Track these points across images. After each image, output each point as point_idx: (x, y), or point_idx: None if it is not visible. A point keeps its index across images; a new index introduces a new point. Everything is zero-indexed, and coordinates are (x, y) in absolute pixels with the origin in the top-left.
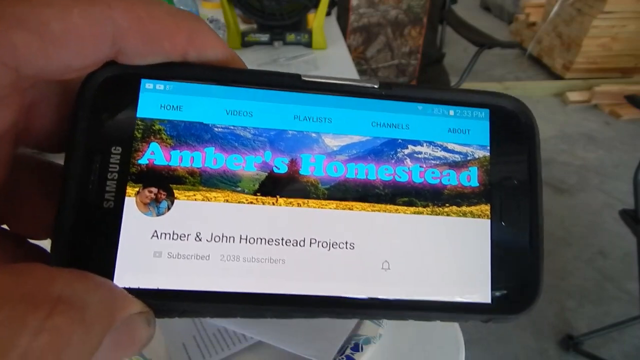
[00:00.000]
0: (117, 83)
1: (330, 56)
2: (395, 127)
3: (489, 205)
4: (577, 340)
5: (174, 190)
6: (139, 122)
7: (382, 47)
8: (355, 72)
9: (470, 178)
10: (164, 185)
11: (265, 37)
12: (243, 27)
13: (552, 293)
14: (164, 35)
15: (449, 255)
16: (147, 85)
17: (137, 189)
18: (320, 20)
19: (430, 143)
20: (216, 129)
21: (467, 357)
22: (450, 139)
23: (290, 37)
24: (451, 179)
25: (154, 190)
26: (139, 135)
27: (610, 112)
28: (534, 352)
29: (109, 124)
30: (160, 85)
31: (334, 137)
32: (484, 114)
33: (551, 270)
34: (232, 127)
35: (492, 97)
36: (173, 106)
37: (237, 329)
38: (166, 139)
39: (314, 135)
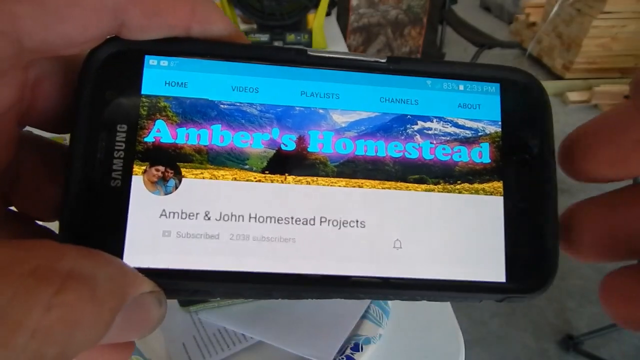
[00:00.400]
0: (120, 59)
1: None
2: (404, 103)
3: (501, 182)
4: (577, 340)
5: (182, 169)
6: (144, 100)
7: (382, 47)
8: None
9: (482, 154)
10: (171, 163)
11: (265, 37)
12: (243, 27)
13: (552, 293)
14: (166, 8)
15: (461, 234)
16: (151, 61)
17: (144, 168)
18: (320, 20)
19: (440, 119)
20: (222, 106)
21: (467, 357)
22: (460, 115)
23: (290, 37)
24: (462, 155)
25: (161, 168)
26: (144, 113)
27: None
28: (534, 352)
29: (113, 102)
30: (164, 61)
31: (342, 114)
32: (494, 88)
33: None
34: (238, 104)
35: (503, 71)
36: (178, 83)
37: (237, 329)
38: (172, 117)
39: (321, 111)
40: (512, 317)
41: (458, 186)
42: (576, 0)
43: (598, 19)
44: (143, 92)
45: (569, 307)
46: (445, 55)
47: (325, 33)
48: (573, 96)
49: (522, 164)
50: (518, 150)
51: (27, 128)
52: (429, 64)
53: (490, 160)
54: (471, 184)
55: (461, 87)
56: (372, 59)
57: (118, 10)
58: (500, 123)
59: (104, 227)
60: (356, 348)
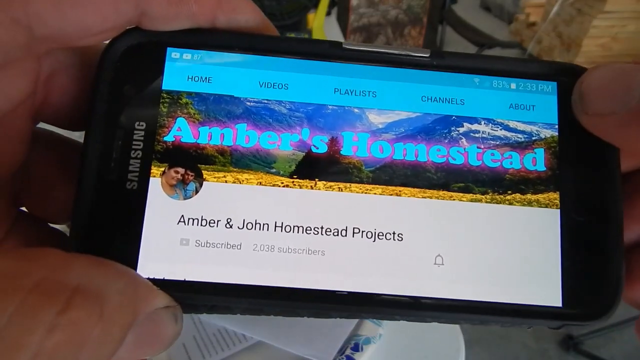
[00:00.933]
0: (140, 52)
1: None
2: (449, 102)
3: (558, 193)
4: (577, 340)
5: (203, 171)
6: (165, 95)
7: None
8: None
9: (536, 161)
10: (191, 165)
11: None
12: None
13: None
14: None
15: (512, 250)
16: (173, 54)
17: (162, 169)
18: (320, 20)
19: (489, 120)
20: (248, 103)
21: (467, 357)
22: (512, 116)
23: (291, 37)
24: (514, 162)
25: (181, 170)
26: (164, 110)
27: None
28: (534, 352)
29: (132, 97)
30: (187, 54)
31: (379, 113)
32: (550, 87)
33: None
34: (266, 101)
35: (560, 68)
36: (201, 77)
37: (237, 329)
38: (194, 114)
39: (356, 111)
40: None
41: (509, 197)
42: (576, 0)
43: (598, 18)
44: (164, 87)
45: None
46: None
47: (325, 33)
48: None
49: (582, 173)
50: (577, 158)
51: (41, 124)
52: (477, 59)
53: (545, 168)
54: (523, 194)
55: (513, 86)
56: (414, 54)
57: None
58: (557, 126)
59: (118, 233)
60: (356, 348)
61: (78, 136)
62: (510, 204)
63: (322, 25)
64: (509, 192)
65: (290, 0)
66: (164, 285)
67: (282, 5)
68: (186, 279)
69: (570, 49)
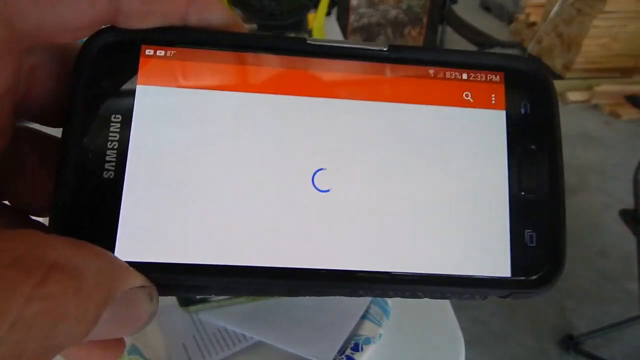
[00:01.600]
0: (116, 49)
1: None
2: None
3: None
4: (577, 340)
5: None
6: (140, 90)
7: None
8: None
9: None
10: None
11: None
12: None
13: (552, 293)
14: None
15: (463, 225)
16: (147, 51)
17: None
18: (320, 20)
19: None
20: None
21: (467, 357)
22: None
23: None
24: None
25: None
26: (139, 104)
27: (610, 112)
28: (534, 352)
29: (108, 92)
30: (161, 51)
31: None
32: (499, 77)
33: None
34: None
35: (507, 60)
36: (175, 73)
37: (237, 329)
38: (168, 107)
39: None
40: (512, 317)
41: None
42: (576, 0)
43: (598, 18)
44: (139, 82)
45: (569, 307)
46: None
47: (325, 33)
48: (573, 96)
49: (527, 153)
50: (523, 140)
51: (25, 122)
52: (430, 52)
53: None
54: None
55: (464, 76)
56: (373, 48)
57: None
58: (504, 113)
59: (95, 220)
60: (356, 348)
61: (59, 132)
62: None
63: (322, 25)
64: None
65: (290, 0)
66: (139, 267)
67: (282, 5)
68: (162, 261)
69: (570, 49)
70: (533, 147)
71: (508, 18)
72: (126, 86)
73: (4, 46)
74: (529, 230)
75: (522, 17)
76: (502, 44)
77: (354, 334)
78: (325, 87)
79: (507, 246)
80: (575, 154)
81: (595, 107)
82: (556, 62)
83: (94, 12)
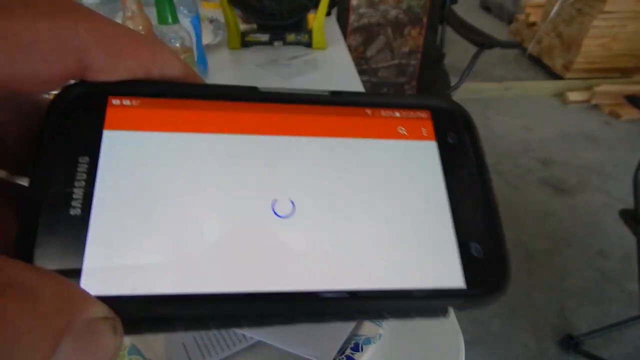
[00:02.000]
0: (85, 99)
1: (330, 56)
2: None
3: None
4: (577, 340)
5: None
6: (106, 134)
7: (382, 47)
8: (355, 72)
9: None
10: None
11: (265, 37)
12: (243, 27)
13: (552, 293)
14: (128, 51)
15: (414, 242)
16: (113, 100)
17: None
18: (320, 20)
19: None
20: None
21: (467, 357)
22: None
23: (290, 37)
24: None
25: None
26: (106, 146)
27: (610, 112)
28: (534, 352)
29: (77, 138)
30: (126, 100)
31: None
32: (425, 114)
33: (551, 271)
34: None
35: (430, 100)
36: (139, 119)
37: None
38: (132, 150)
39: None
40: (512, 317)
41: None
42: (576, 0)
43: (598, 18)
44: (106, 127)
45: (569, 307)
46: (445, 55)
47: (325, 33)
48: (573, 96)
49: (459, 174)
50: (454, 163)
51: None
52: (366, 96)
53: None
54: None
55: (397, 114)
56: (316, 93)
57: (82, 51)
58: (435, 142)
59: (61, 254)
60: (356, 348)
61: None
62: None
63: (322, 25)
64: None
65: (290, 0)
66: (104, 300)
67: (282, 5)
68: (125, 294)
69: (570, 49)
70: (464, 168)
71: (508, 18)
72: (93, 131)
73: None
74: (474, 243)
75: (522, 17)
76: (502, 44)
77: (354, 334)
78: (277, 126)
79: (457, 258)
80: (575, 154)
81: (595, 107)
82: (556, 62)
83: (63, 66)
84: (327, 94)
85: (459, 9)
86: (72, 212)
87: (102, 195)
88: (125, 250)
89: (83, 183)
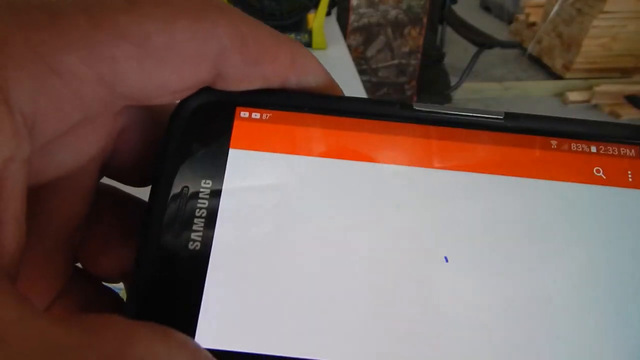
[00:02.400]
0: (211, 110)
1: (330, 56)
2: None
3: None
4: None
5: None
6: (233, 154)
7: (382, 47)
8: (355, 72)
9: None
10: None
11: None
12: None
13: None
14: (266, 57)
15: (615, 333)
16: (242, 113)
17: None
18: (320, 20)
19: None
20: None
21: None
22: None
23: (290, 37)
24: None
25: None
26: (231, 169)
27: (610, 112)
28: None
29: (199, 155)
30: (256, 114)
31: None
32: (634, 151)
33: None
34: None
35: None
36: (270, 137)
37: None
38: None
39: None
40: None
41: None
42: (576, 0)
43: (598, 18)
44: (232, 146)
45: None
46: (445, 55)
47: (325, 33)
48: (573, 96)
49: None
50: None
51: (104, 179)
52: (553, 121)
53: None
54: None
55: (594, 149)
56: (489, 116)
57: (219, 58)
58: None
59: (177, 296)
60: None
61: (136, 191)
62: None
63: (322, 25)
64: None
65: (290, 0)
66: (222, 356)
67: (282, 5)
68: (248, 351)
69: (570, 49)
70: None
71: (508, 18)
72: (218, 150)
73: (103, 109)
74: None
75: (522, 17)
76: (502, 44)
77: None
78: (432, 158)
79: None
80: None
81: (595, 107)
82: (556, 62)
83: (196, 75)
84: (501, 117)
85: (459, 9)
86: (191, 246)
87: (225, 228)
88: (247, 298)
89: (204, 212)
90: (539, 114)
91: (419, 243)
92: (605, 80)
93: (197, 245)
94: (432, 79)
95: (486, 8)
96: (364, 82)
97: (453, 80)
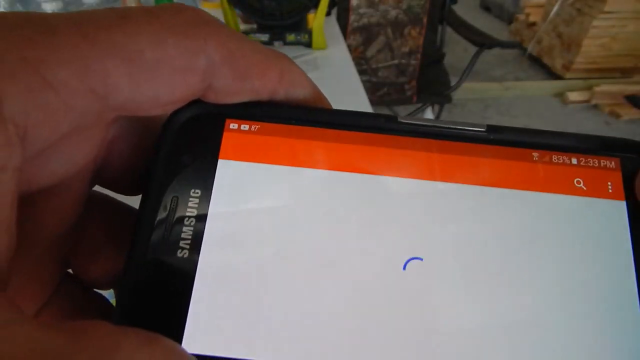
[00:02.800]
0: (201, 122)
1: (330, 56)
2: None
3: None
4: None
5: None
6: (222, 164)
7: (382, 47)
8: (355, 72)
9: None
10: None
11: (265, 37)
12: (243, 27)
13: None
14: (255, 72)
15: (592, 342)
16: (231, 125)
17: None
18: (320, 20)
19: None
20: None
21: None
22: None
23: (290, 37)
24: None
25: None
26: (220, 179)
27: (610, 112)
28: None
29: (189, 166)
30: (245, 125)
31: None
32: (614, 163)
33: None
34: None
35: (622, 143)
36: (258, 148)
37: None
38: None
39: None
40: None
41: None
42: (576, 0)
43: (598, 18)
44: (221, 157)
45: None
46: (445, 55)
47: (325, 33)
48: (573, 96)
49: None
50: None
51: (96, 187)
52: (534, 134)
53: None
54: None
55: (574, 161)
56: (472, 128)
57: (208, 72)
58: (625, 203)
59: (165, 302)
60: None
61: (127, 199)
62: None
63: (322, 25)
64: None
65: (290, 0)
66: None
67: (282, 5)
68: (236, 357)
69: (570, 49)
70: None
71: (508, 18)
72: (208, 160)
73: (95, 119)
74: None
75: (522, 17)
76: (502, 44)
77: None
78: (416, 169)
79: None
80: None
81: (595, 107)
82: (556, 62)
83: (186, 88)
84: (483, 129)
85: (459, 9)
86: (180, 253)
87: (213, 237)
88: (233, 304)
89: (193, 220)
90: (520, 126)
91: (401, 253)
92: (605, 80)
93: (185, 254)
94: (432, 79)
95: (486, 8)
96: (364, 82)
97: (453, 80)
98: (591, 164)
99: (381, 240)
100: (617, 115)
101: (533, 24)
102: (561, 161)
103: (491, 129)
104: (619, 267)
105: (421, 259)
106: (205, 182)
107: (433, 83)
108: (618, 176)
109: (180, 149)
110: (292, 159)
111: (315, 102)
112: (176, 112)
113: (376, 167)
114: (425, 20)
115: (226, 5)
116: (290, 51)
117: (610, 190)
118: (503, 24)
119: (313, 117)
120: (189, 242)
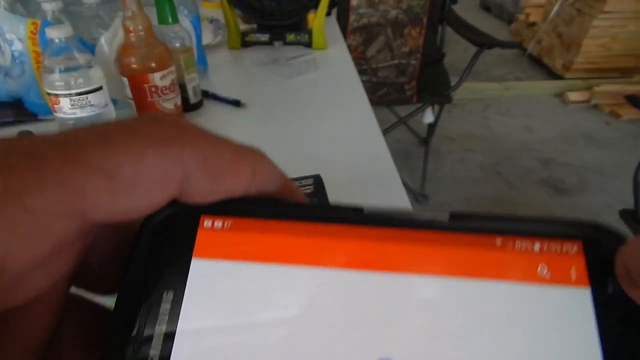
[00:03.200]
0: (175, 222)
1: (330, 56)
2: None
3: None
4: None
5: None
6: (195, 263)
7: (382, 47)
8: (355, 72)
9: None
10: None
11: (265, 37)
12: (243, 27)
13: None
14: (227, 171)
15: None
16: (205, 222)
17: (188, 342)
18: (320, 20)
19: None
20: None
21: None
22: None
23: (290, 37)
24: None
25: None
26: (193, 278)
27: (610, 112)
28: None
29: (163, 265)
30: (219, 222)
31: None
32: (576, 247)
33: None
34: None
35: (584, 227)
36: (231, 245)
37: None
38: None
39: None
40: None
41: None
42: (576, 0)
43: (598, 18)
44: (195, 255)
45: None
46: (445, 55)
47: (325, 33)
48: (573, 96)
49: (624, 339)
50: (616, 322)
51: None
52: (495, 220)
53: None
54: None
55: (537, 247)
56: (434, 219)
57: (184, 179)
58: (589, 290)
59: None
60: None
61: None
62: None
63: (322, 25)
64: None
65: (290, 0)
66: None
67: (282, 5)
68: None
69: (570, 49)
70: (633, 335)
71: (508, 18)
72: (182, 259)
73: (75, 237)
74: None
75: (522, 17)
76: (502, 44)
77: None
78: (384, 260)
79: None
80: (575, 154)
81: (595, 107)
82: (556, 62)
83: (163, 197)
84: (446, 218)
85: (459, 9)
86: (152, 354)
87: (184, 340)
88: None
89: (164, 327)
90: (483, 212)
91: (366, 347)
92: (605, 80)
93: (157, 353)
94: (432, 79)
95: (486, 8)
96: (364, 82)
97: (453, 80)
98: (554, 250)
99: (352, 341)
100: (617, 115)
101: (533, 24)
102: (524, 248)
103: (454, 216)
104: (585, 358)
105: (390, 355)
106: (179, 282)
107: (433, 83)
108: (581, 260)
109: (156, 248)
110: (264, 255)
111: (285, 191)
112: (151, 215)
113: (345, 261)
114: (425, 20)
115: (226, 5)
116: (290, 51)
117: (573, 278)
118: (503, 24)
119: (283, 211)
120: (161, 342)
